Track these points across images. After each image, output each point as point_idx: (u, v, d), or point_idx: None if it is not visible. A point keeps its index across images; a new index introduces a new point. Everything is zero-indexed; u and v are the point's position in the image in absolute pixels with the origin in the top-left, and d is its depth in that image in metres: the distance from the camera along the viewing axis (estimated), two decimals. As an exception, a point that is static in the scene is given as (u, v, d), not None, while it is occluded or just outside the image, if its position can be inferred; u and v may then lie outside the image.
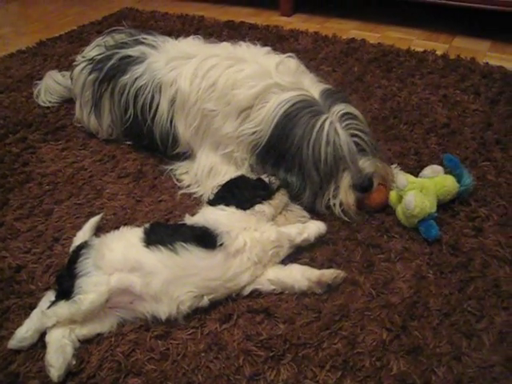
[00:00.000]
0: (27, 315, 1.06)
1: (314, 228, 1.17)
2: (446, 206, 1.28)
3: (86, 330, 1.01)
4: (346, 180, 1.25)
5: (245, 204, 1.16)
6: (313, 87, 1.31)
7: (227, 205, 1.15)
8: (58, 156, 1.61)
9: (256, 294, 1.09)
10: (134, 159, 1.57)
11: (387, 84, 1.93)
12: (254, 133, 1.29)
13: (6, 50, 2.43)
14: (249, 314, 1.04)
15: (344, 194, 1.25)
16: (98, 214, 1.32)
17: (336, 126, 1.22)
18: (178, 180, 1.46)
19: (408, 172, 1.35)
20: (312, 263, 1.14)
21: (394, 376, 0.92)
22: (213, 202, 1.19)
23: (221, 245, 1.05)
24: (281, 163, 1.28)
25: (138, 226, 1.13)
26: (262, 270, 1.09)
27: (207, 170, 1.40)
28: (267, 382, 0.92)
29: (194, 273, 1.02)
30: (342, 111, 1.24)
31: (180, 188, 1.43)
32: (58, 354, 0.95)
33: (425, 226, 1.20)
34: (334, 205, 1.27)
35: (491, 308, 1.04)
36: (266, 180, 1.26)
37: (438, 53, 2.15)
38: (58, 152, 1.63)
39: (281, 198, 1.25)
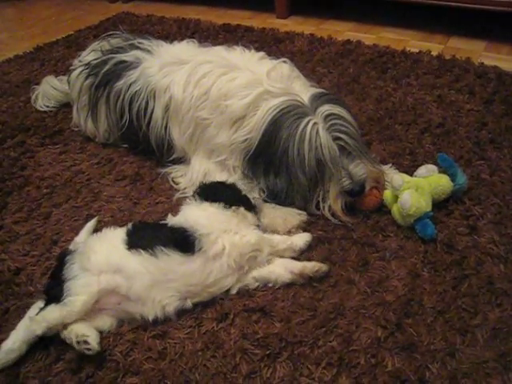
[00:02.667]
0: (26, 317, 1.08)
1: (300, 240, 1.18)
2: (440, 204, 1.30)
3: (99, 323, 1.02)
4: (333, 187, 1.25)
5: (233, 202, 1.15)
6: (304, 92, 1.32)
7: (213, 201, 1.15)
8: (55, 160, 1.62)
9: (252, 293, 1.10)
10: (131, 162, 1.58)
11: (382, 85, 1.94)
12: (245, 140, 1.30)
13: (3, 55, 2.45)
14: (245, 313, 1.05)
15: (333, 201, 1.26)
16: (96, 216, 1.33)
17: (319, 128, 1.22)
18: (174, 183, 1.47)
19: (403, 172, 1.36)
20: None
21: (388, 373, 0.93)
22: (200, 194, 1.18)
23: (199, 250, 1.05)
24: (270, 168, 1.29)
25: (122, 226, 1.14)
26: (244, 274, 1.10)
27: (202, 174, 1.41)
28: (263, 380, 0.93)
29: (175, 278, 1.03)
30: (327, 112, 1.24)
31: (176, 190, 1.44)
32: (89, 328, 0.97)
33: (421, 224, 1.21)
34: (324, 208, 1.28)
35: (485, 305, 1.05)
36: (252, 201, 1.22)
37: (433, 53, 2.16)
38: (55, 156, 1.64)
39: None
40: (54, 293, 1.01)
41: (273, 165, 1.28)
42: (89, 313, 1.01)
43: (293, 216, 1.26)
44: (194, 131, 1.41)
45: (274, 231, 1.22)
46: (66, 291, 0.99)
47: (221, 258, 1.07)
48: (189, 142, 1.43)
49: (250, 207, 1.19)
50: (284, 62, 1.42)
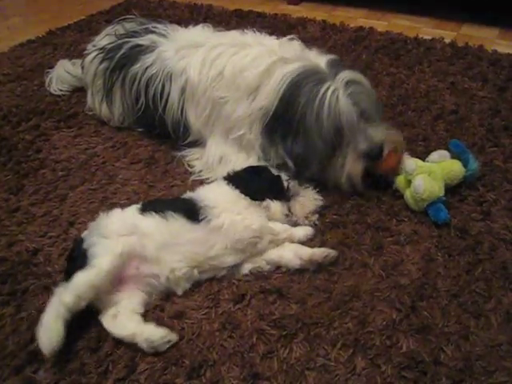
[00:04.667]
0: (45, 296, 1.09)
1: (302, 231, 1.19)
2: (454, 190, 1.30)
3: (140, 306, 1.04)
4: (351, 151, 1.25)
5: (254, 195, 1.18)
6: (318, 58, 1.32)
7: (235, 186, 1.18)
8: (70, 143, 1.63)
9: (268, 275, 1.11)
10: (146, 145, 1.59)
11: (395, 71, 1.93)
12: (262, 107, 1.30)
13: (16, 39, 2.45)
14: (261, 295, 1.07)
15: (351, 166, 1.26)
16: (112, 198, 1.36)
17: (339, 94, 1.22)
18: (189, 166, 1.48)
19: (416, 158, 1.36)
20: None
21: (403, 354, 0.94)
22: (227, 178, 1.22)
23: (203, 219, 1.09)
24: (288, 133, 1.29)
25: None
26: (251, 257, 1.12)
27: (218, 157, 1.42)
28: (280, 360, 0.95)
29: (182, 243, 1.07)
30: (347, 78, 1.24)
31: (192, 173, 1.45)
32: (154, 328, 0.98)
33: (434, 209, 1.22)
34: (342, 175, 1.28)
35: (499, 289, 1.06)
36: (285, 182, 1.26)
37: (446, 40, 2.15)
38: (70, 139, 1.65)
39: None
40: (79, 264, 1.00)
41: (291, 130, 1.28)
42: (116, 284, 1.02)
43: (310, 201, 1.27)
44: (211, 112, 1.41)
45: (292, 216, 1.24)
46: (90, 257, 1.00)
47: (219, 233, 1.09)
48: (205, 124, 1.44)
49: (278, 196, 1.21)
50: (293, 38, 1.43)
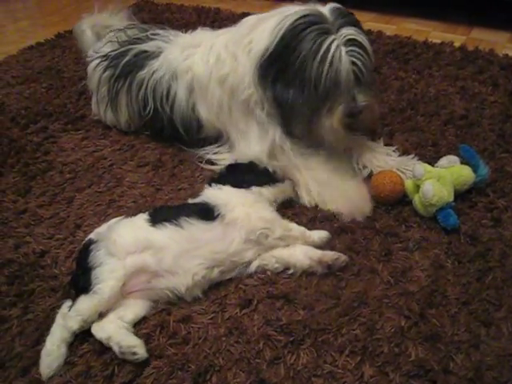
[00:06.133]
0: (52, 298, 1.10)
1: (317, 234, 1.18)
2: (464, 196, 1.29)
3: (130, 315, 1.02)
4: (339, 106, 1.26)
5: (242, 185, 1.20)
6: (322, 7, 1.31)
7: (224, 184, 1.20)
8: (78, 145, 1.64)
9: (275, 280, 1.10)
10: (154, 148, 1.59)
11: (404, 76, 1.92)
12: (259, 50, 1.30)
13: (25, 42, 2.46)
14: (268, 300, 1.06)
15: (336, 119, 1.27)
16: (119, 201, 1.35)
17: (341, 51, 1.22)
18: (212, 164, 1.48)
19: (425, 163, 1.35)
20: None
21: (412, 362, 0.93)
22: (213, 181, 1.24)
23: (218, 215, 1.09)
24: (281, 77, 1.28)
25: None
26: (264, 250, 1.12)
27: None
28: (287, 366, 0.94)
29: (200, 245, 1.06)
30: (350, 36, 1.24)
31: (200, 177, 1.45)
32: (130, 335, 0.97)
33: (443, 214, 1.20)
34: (325, 124, 1.29)
35: (510, 297, 1.04)
36: (271, 170, 1.30)
37: (456, 44, 2.14)
38: (78, 141, 1.65)
39: (284, 189, 1.29)
40: (82, 284, 1.01)
41: (286, 74, 1.27)
42: (120, 298, 1.02)
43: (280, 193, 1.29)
44: (221, 97, 1.42)
45: None
46: (94, 279, 1.00)
47: (235, 226, 1.09)
48: (220, 113, 1.44)
49: (268, 181, 1.24)
50: None
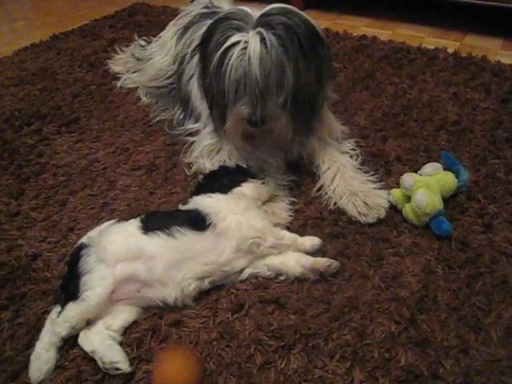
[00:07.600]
0: (43, 301, 1.10)
1: (308, 241, 1.18)
2: (455, 202, 1.30)
3: (119, 322, 1.02)
4: (241, 107, 1.24)
5: (224, 189, 1.20)
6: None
7: (210, 193, 1.19)
8: (71, 148, 1.64)
9: (266, 285, 1.11)
10: (147, 152, 1.59)
11: (398, 81, 1.93)
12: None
13: (20, 43, 2.46)
14: (260, 305, 1.06)
15: (233, 122, 1.27)
16: (112, 204, 1.35)
17: (250, 50, 1.18)
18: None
19: (418, 168, 1.36)
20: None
21: (402, 367, 0.93)
22: (196, 193, 1.23)
23: (209, 224, 1.08)
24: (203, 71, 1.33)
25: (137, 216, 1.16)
26: (255, 259, 1.12)
27: None
28: (278, 371, 0.94)
29: (191, 256, 1.06)
30: (261, 36, 1.18)
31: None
32: (115, 350, 0.96)
33: (436, 222, 1.21)
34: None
35: (499, 303, 1.05)
36: (244, 165, 1.32)
37: (449, 50, 2.15)
38: (71, 144, 1.66)
39: (259, 184, 1.29)
40: (71, 289, 1.01)
41: (205, 71, 1.31)
42: (109, 306, 1.02)
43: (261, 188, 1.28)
44: None
45: None
46: (83, 286, 1.00)
47: (227, 235, 1.08)
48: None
49: (244, 177, 1.25)
50: None
